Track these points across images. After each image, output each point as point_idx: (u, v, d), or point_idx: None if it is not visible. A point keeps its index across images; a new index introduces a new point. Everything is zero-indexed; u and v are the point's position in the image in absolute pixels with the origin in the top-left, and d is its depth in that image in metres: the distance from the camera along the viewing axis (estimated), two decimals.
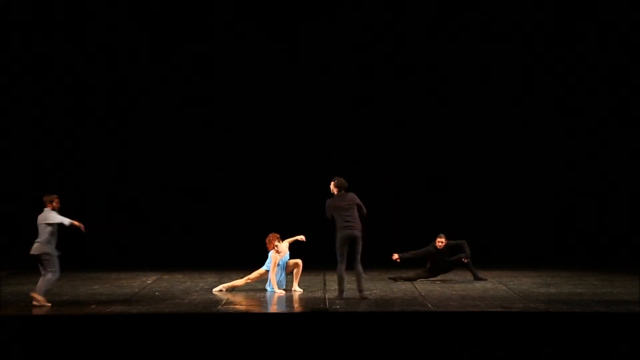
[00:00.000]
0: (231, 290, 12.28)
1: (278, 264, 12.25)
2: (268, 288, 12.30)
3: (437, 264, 13.50)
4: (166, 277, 14.07)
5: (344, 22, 16.03)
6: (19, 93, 15.73)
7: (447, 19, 15.99)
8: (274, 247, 12.28)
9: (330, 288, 12.66)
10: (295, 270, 12.46)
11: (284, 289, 12.24)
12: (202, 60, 16.09)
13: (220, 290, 12.20)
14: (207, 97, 16.14)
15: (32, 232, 15.54)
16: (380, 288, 12.69)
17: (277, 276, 12.28)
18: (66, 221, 11.08)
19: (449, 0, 15.98)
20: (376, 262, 15.44)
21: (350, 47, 16.08)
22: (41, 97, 15.82)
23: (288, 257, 12.40)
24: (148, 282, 13.21)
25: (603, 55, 15.74)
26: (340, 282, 11.60)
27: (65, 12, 15.69)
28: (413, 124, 16.22)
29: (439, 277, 13.63)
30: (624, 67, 15.63)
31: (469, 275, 14.08)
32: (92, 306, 11.05)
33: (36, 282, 13.30)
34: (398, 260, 13.44)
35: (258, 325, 9.76)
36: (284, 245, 12.36)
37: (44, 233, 11.07)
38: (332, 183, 11.73)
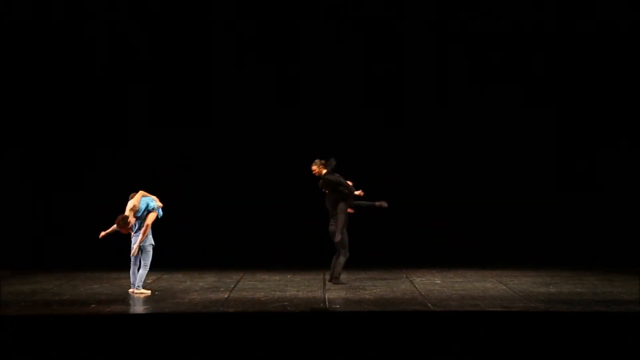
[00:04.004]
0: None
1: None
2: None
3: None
4: (166, 276, 14.08)
5: (344, 22, 16.04)
6: (18, 92, 15.74)
7: (447, 18, 15.99)
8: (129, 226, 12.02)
9: (330, 288, 12.67)
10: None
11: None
12: (201, 59, 16.09)
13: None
14: (207, 97, 16.13)
15: (33, 232, 15.73)
16: (380, 287, 12.69)
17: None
18: None
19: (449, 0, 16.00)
20: (377, 262, 15.53)
21: (351, 46, 16.08)
22: (41, 96, 15.85)
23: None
24: (148, 282, 13.20)
25: (603, 55, 15.75)
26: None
27: (65, 12, 15.71)
28: (413, 123, 16.21)
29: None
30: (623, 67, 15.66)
31: (468, 275, 14.10)
32: (92, 306, 11.05)
33: (36, 282, 13.40)
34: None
35: (258, 325, 9.76)
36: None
37: None
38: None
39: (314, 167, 13.10)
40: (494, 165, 16.10)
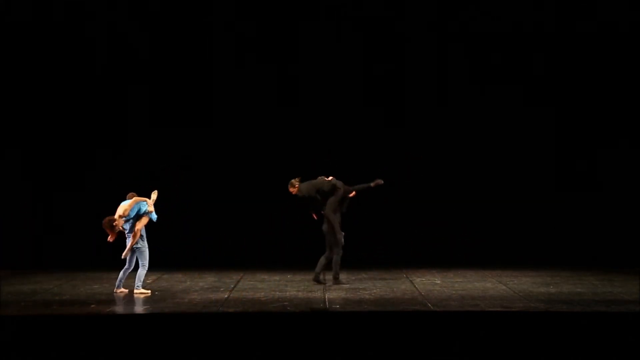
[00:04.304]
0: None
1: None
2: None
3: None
4: (166, 277, 14.09)
5: (344, 22, 16.04)
6: (18, 92, 15.74)
7: (447, 18, 15.98)
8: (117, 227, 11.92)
9: (330, 288, 12.67)
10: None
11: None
12: (201, 59, 16.09)
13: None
14: (207, 97, 16.13)
15: (33, 231, 15.72)
16: (380, 288, 12.69)
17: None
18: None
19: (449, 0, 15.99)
20: (377, 262, 15.53)
21: (351, 46, 16.08)
22: (42, 95, 15.86)
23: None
24: (148, 282, 13.20)
25: (603, 55, 15.74)
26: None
27: (65, 11, 15.71)
28: (413, 123, 16.21)
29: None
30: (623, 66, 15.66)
31: (468, 275, 14.10)
32: (92, 306, 11.06)
33: (36, 282, 13.41)
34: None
35: (258, 325, 9.76)
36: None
37: None
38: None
39: (292, 189, 13.04)
40: (494, 165, 16.09)
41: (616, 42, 15.63)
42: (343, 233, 12.89)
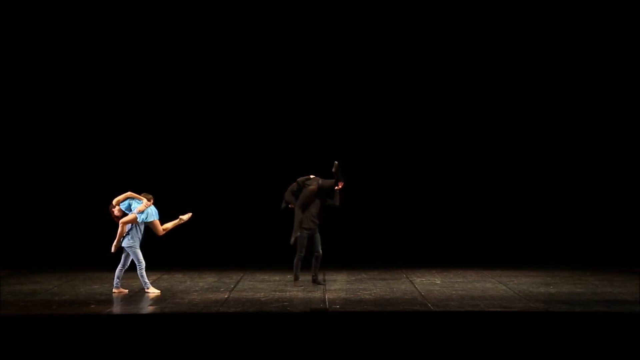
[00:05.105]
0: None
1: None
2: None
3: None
4: (166, 277, 14.08)
5: (343, 24, 16.05)
6: (20, 89, 15.77)
7: (445, 21, 15.99)
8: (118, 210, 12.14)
9: (330, 288, 12.67)
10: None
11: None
12: (198, 59, 16.10)
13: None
14: (207, 97, 16.14)
15: (33, 231, 15.72)
16: (380, 287, 12.69)
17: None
18: None
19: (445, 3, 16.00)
20: (377, 262, 15.53)
21: (348, 48, 16.10)
22: (42, 95, 15.87)
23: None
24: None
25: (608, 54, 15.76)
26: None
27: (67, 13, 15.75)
28: (411, 123, 16.20)
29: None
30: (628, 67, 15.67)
31: (468, 275, 14.10)
32: (92, 306, 11.06)
33: (36, 282, 13.40)
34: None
35: (258, 325, 9.76)
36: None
37: None
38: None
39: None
40: (494, 165, 16.09)
41: (614, 43, 15.64)
42: (298, 235, 12.76)
